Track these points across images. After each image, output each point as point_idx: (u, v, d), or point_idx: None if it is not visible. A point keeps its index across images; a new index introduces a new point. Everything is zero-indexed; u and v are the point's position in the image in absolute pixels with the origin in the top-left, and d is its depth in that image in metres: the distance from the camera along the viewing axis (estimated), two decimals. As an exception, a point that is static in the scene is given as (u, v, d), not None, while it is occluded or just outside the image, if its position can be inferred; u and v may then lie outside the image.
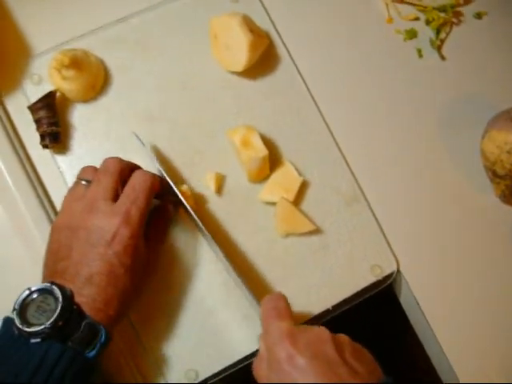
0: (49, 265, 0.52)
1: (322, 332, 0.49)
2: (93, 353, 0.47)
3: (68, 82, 0.59)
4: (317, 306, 0.61)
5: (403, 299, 0.66)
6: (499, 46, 0.71)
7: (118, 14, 0.65)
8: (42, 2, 0.65)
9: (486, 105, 0.67)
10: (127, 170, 0.55)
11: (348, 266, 0.62)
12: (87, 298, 0.48)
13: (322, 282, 0.62)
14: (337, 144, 0.65)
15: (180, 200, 0.57)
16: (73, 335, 0.46)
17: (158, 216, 0.58)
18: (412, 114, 0.68)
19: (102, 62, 0.63)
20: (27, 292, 0.48)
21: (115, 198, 0.53)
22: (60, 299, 0.46)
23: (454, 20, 0.71)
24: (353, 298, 0.62)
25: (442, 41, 0.70)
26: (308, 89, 0.66)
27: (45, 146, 0.60)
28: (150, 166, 0.59)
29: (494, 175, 0.64)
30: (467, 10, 0.72)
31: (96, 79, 0.61)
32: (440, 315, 0.63)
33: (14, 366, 0.45)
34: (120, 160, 0.55)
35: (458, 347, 0.62)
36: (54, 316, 0.46)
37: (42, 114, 0.59)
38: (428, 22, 0.69)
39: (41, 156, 0.61)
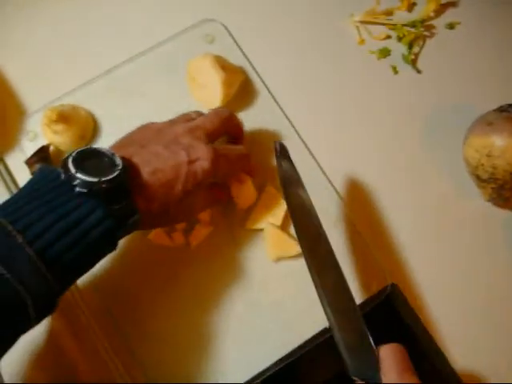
0: (121, 142, 0.54)
1: None
2: (119, 232, 0.48)
3: (58, 135, 0.64)
4: (314, 327, 0.62)
5: (402, 310, 0.66)
6: (474, 53, 0.72)
7: (106, 65, 0.69)
8: (33, 63, 0.70)
9: (465, 113, 0.67)
10: (233, 127, 0.61)
11: (341, 284, 0.63)
12: (142, 181, 0.49)
13: (316, 302, 0.63)
14: (321, 168, 0.67)
15: None
16: (113, 206, 0.46)
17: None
18: (394, 130, 0.69)
19: (90, 114, 0.67)
20: (88, 147, 0.49)
21: (213, 138, 0.57)
22: (120, 166, 0.47)
23: (427, 33, 0.72)
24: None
25: (416, 55, 0.71)
26: (287, 117, 0.68)
27: (43, 197, 0.64)
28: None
29: (479, 180, 0.65)
30: (439, 22, 0.73)
31: (85, 130, 0.66)
32: (438, 321, 0.63)
33: (53, 209, 0.44)
34: (232, 112, 0.60)
35: (458, 348, 0.62)
36: (111, 176, 0.46)
37: (37, 167, 0.63)
38: (399, 39, 0.71)
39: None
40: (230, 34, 0.71)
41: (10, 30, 0.72)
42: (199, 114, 0.61)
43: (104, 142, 0.66)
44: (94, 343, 0.58)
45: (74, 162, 0.46)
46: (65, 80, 0.69)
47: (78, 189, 0.45)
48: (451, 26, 0.73)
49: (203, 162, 0.53)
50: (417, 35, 0.71)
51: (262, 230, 0.64)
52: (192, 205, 0.56)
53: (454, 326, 0.63)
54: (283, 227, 0.64)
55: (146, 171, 0.50)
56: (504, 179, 0.62)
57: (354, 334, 0.49)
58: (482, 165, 0.63)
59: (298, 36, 0.72)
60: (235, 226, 0.64)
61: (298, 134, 0.68)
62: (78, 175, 0.45)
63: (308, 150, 0.67)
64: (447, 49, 0.72)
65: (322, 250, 0.54)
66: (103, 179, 0.45)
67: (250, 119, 0.68)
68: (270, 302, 0.62)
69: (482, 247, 0.66)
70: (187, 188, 0.52)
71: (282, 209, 0.64)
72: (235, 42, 0.71)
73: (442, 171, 0.68)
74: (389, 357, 0.47)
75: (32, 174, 0.63)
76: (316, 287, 0.52)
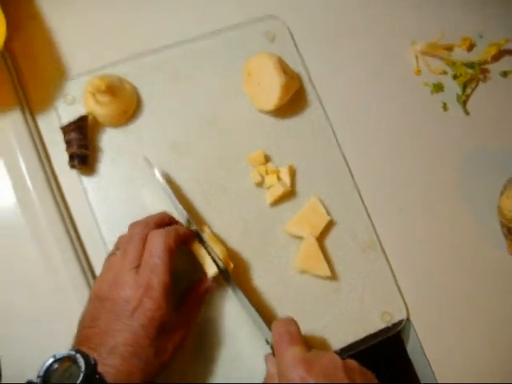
0: (78, 331, 0.52)
1: (334, 358, 0.50)
2: None
3: (101, 106, 0.60)
4: (323, 348, 0.61)
5: (410, 347, 0.67)
6: (523, 105, 0.73)
7: (156, 43, 0.66)
8: (83, 25, 0.66)
9: (507, 161, 0.68)
10: (153, 227, 0.56)
11: (358, 311, 0.63)
12: (111, 367, 0.48)
13: (331, 323, 0.62)
14: (358, 190, 0.66)
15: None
16: None
17: (195, 288, 0.58)
18: (434, 165, 0.69)
19: (135, 90, 0.64)
20: (51, 360, 0.47)
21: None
22: (82, 368, 0.46)
23: (481, 76, 0.72)
24: (360, 342, 0.62)
25: (468, 96, 0.71)
26: (334, 133, 0.67)
27: (72, 167, 0.60)
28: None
29: (509, 232, 0.65)
30: (494, 68, 0.74)
31: (128, 106, 0.62)
32: (446, 366, 0.63)
33: None
34: (144, 225, 0.56)
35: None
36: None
37: (73, 135, 0.60)
38: (455, 77, 0.71)
39: (68, 175, 0.61)
40: (292, 37, 0.69)
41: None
42: (125, 239, 0.56)
43: (145, 125, 0.64)
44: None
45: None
46: (111, 49, 0.66)
47: None
48: (505, 74, 0.73)
49: (144, 303, 0.51)
50: (473, 76, 0.70)
51: (297, 237, 0.63)
52: (174, 328, 0.54)
53: (461, 372, 0.63)
54: (319, 240, 0.63)
55: (106, 352, 0.49)
56: (534, 238, 0.63)
57: None
58: (517, 220, 0.64)
59: (357, 54, 0.71)
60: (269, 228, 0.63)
61: (342, 153, 0.67)
62: None
63: (349, 170, 0.66)
64: (498, 96, 0.72)
65: None
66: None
67: (298, 128, 0.67)
68: (282, 313, 0.62)
69: (499, 296, 0.66)
70: (153, 334, 0.50)
71: (322, 222, 0.63)
72: (295, 46, 0.69)
73: (475, 214, 0.68)
74: (275, 332, 0.53)
75: (66, 141, 0.60)
76: None
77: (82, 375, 0.45)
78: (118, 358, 0.48)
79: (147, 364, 0.50)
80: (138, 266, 0.53)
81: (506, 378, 0.63)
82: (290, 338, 0.52)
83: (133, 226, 0.56)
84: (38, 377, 0.46)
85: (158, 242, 0.53)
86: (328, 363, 0.49)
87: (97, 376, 0.47)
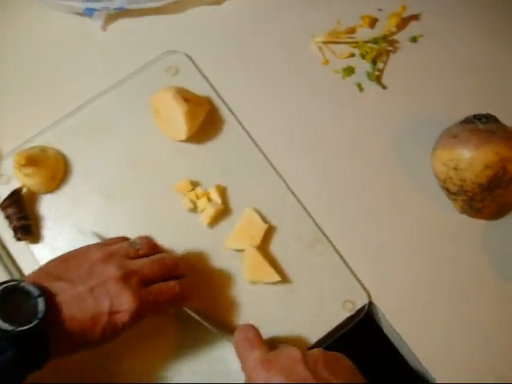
0: (50, 268, 0.54)
1: (293, 352, 0.52)
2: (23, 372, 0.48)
3: (29, 178, 0.65)
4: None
5: (384, 328, 0.66)
6: (439, 65, 0.72)
7: (71, 106, 0.70)
8: (1, 106, 0.71)
9: (432, 126, 0.67)
10: (177, 273, 0.59)
11: (319, 306, 0.63)
12: (58, 327, 0.49)
13: (296, 325, 0.63)
14: (291, 191, 0.67)
15: None
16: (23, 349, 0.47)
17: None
18: (363, 148, 0.70)
19: (59, 154, 0.68)
20: (17, 283, 0.49)
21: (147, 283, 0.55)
22: (40, 315, 0.48)
23: (390, 48, 0.73)
24: (328, 336, 0.63)
25: (381, 71, 0.72)
26: (255, 143, 0.69)
27: (18, 239, 0.64)
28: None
29: (449, 192, 0.65)
30: (402, 37, 0.74)
31: (55, 171, 0.66)
32: (421, 340, 0.63)
33: None
34: (178, 263, 0.59)
35: (438, 364, 0.62)
36: (29, 325, 0.47)
37: (10, 210, 0.64)
38: (363, 56, 0.71)
39: (17, 248, 0.65)
40: (195, 64, 0.72)
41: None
42: (148, 242, 0.60)
43: (76, 183, 0.67)
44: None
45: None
46: (34, 122, 0.70)
47: None
48: (414, 40, 0.73)
49: (125, 315, 0.52)
50: (379, 51, 0.71)
51: (240, 250, 0.64)
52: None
53: (432, 339, 0.63)
54: (262, 249, 0.64)
55: (65, 315, 0.50)
56: (473, 191, 0.62)
57: None
58: (451, 178, 0.63)
59: (262, 61, 0.73)
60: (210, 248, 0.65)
61: (267, 159, 0.68)
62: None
63: (278, 174, 0.68)
64: (411, 63, 0.72)
65: None
66: (19, 329, 0.46)
67: (219, 148, 0.69)
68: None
69: (459, 258, 0.66)
70: (105, 335, 0.52)
71: (260, 231, 0.65)
72: (200, 71, 0.71)
73: (414, 186, 0.68)
74: (235, 341, 0.56)
75: (6, 217, 0.64)
76: None
77: (35, 322, 0.47)
78: (69, 328, 0.50)
79: (82, 345, 0.52)
80: (146, 285, 0.55)
81: (470, 333, 0.63)
82: (249, 344, 0.54)
83: (167, 256, 0.59)
84: None
85: (172, 290, 0.56)
86: (286, 359, 0.51)
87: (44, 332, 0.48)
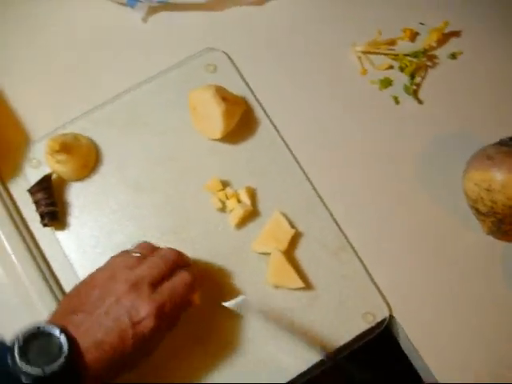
0: (64, 305, 0.55)
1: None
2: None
3: (61, 164, 0.65)
4: (310, 358, 0.62)
5: (401, 342, 0.67)
6: (476, 83, 0.72)
7: (107, 95, 0.70)
8: (38, 91, 0.71)
9: (466, 144, 0.67)
10: (181, 264, 0.59)
11: (339, 316, 0.63)
12: (92, 361, 0.49)
13: (313, 332, 0.63)
14: (320, 198, 0.67)
15: None
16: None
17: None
18: (394, 160, 0.70)
19: (92, 143, 0.68)
20: (36, 328, 0.48)
21: (159, 284, 0.56)
22: (65, 351, 0.47)
23: (429, 63, 0.72)
24: (346, 346, 0.63)
25: (418, 85, 0.72)
26: (288, 147, 0.69)
27: (45, 225, 0.65)
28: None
29: (478, 213, 0.65)
30: (442, 52, 0.73)
31: (87, 159, 0.66)
32: (438, 356, 0.63)
33: None
34: (179, 254, 0.59)
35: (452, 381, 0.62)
36: (57, 364, 0.47)
37: (39, 195, 0.64)
38: (402, 69, 0.71)
39: (43, 234, 0.66)
40: (233, 63, 0.71)
41: (16, 59, 0.73)
42: (146, 245, 0.60)
43: (106, 173, 0.67)
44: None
45: (20, 348, 0.47)
46: (69, 108, 0.70)
47: (24, 379, 0.46)
48: (453, 56, 0.73)
49: (148, 322, 0.52)
50: (418, 65, 0.71)
51: (266, 254, 0.65)
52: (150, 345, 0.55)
53: (449, 356, 0.63)
54: (287, 254, 0.64)
55: (91, 344, 0.50)
56: (503, 213, 0.62)
57: None
58: (482, 198, 0.63)
59: (300, 66, 0.73)
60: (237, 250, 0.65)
61: (299, 164, 0.68)
62: (23, 367, 0.46)
63: (308, 179, 0.68)
64: (449, 79, 0.72)
65: None
66: (48, 371, 0.46)
67: (252, 149, 0.69)
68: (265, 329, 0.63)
69: (481, 279, 0.66)
70: (137, 347, 0.52)
71: (287, 236, 0.65)
72: (238, 71, 0.71)
73: (443, 203, 0.68)
74: None
75: (34, 202, 0.64)
76: None
77: (63, 359, 0.47)
78: (101, 353, 0.50)
79: (123, 366, 0.52)
80: (156, 285, 0.55)
81: (489, 354, 0.63)
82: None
83: (169, 250, 0.59)
84: (17, 340, 0.47)
85: (186, 283, 0.56)
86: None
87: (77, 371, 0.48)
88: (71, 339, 0.49)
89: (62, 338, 0.48)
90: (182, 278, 0.57)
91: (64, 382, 0.48)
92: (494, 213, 0.63)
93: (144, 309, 0.52)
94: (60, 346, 0.48)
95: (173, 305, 0.55)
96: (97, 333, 0.51)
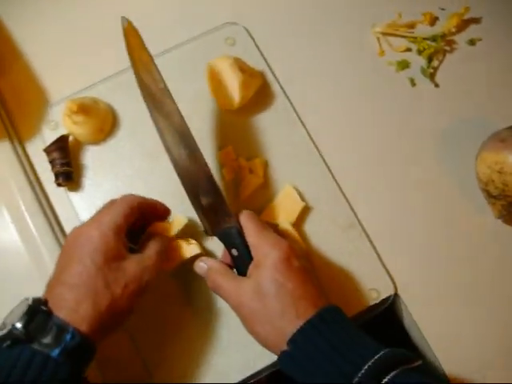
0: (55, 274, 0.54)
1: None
2: (56, 351, 0.46)
3: (78, 126, 0.66)
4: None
5: (405, 320, 0.67)
6: (493, 70, 0.72)
7: (127, 63, 0.70)
8: (59, 55, 0.72)
9: (480, 128, 0.67)
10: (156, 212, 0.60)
11: (345, 291, 0.64)
12: (57, 296, 0.50)
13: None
14: (332, 174, 0.68)
15: None
16: (41, 335, 0.47)
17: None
18: (408, 142, 0.70)
19: (110, 107, 0.69)
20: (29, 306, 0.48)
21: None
22: (30, 300, 0.48)
23: (447, 48, 0.73)
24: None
25: (435, 69, 0.72)
26: (302, 123, 0.69)
27: (59, 185, 0.66)
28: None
29: (489, 196, 0.65)
30: (461, 38, 0.74)
31: (104, 123, 0.67)
32: (439, 336, 0.63)
33: None
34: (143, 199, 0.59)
35: (457, 369, 0.62)
36: (20, 316, 0.47)
37: (55, 155, 0.65)
38: (420, 52, 0.71)
39: (56, 193, 0.67)
40: (252, 38, 0.72)
41: (40, 22, 0.74)
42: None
43: (122, 138, 0.68)
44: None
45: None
46: (88, 73, 0.71)
47: (3, 344, 0.46)
48: (472, 42, 0.73)
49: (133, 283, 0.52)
50: (437, 49, 0.71)
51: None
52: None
53: (452, 338, 0.63)
54: (296, 226, 0.65)
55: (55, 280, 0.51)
56: (514, 196, 0.63)
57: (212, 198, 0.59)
58: (493, 181, 0.63)
59: (318, 42, 0.73)
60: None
61: (312, 140, 0.69)
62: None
63: (321, 156, 0.68)
64: (466, 64, 0.72)
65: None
66: (17, 323, 0.46)
67: (266, 122, 0.69)
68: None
69: (490, 263, 0.66)
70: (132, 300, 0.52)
71: (297, 208, 0.65)
72: (256, 45, 0.72)
73: (455, 185, 0.68)
74: (248, 221, 0.57)
75: (50, 161, 0.65)
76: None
77: (26, 307, 0.47)
78: (65, 287, 0.50)
79: (96, 293, 0.50)
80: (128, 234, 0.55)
81: (495, 339, 0.63)
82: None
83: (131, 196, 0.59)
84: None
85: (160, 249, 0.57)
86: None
87: (42, 307, 0.48)
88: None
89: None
90: (155, 244, 0.57)
91: (37, 324, 0.47)
92: (505, 196, 0.63)
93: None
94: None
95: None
96: (59, 277, 0.51)
